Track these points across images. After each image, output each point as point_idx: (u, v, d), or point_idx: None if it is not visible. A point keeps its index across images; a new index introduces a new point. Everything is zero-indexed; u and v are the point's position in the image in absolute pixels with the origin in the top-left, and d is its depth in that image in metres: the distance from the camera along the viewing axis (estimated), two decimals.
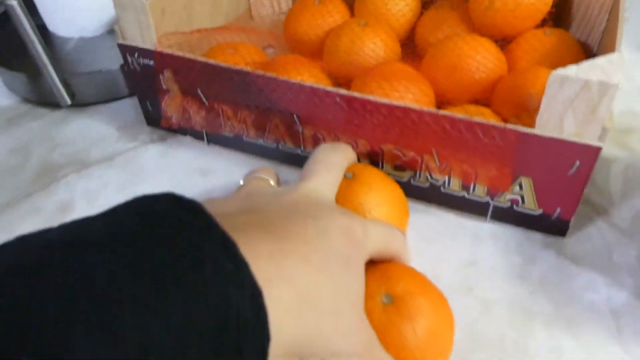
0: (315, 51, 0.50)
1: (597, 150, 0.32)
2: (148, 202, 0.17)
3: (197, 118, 0.46)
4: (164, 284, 0.14)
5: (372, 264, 0.29)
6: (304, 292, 0.20)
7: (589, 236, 0.38)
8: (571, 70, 0.30)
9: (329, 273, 0.22)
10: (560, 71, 0.30)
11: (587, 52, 0.45)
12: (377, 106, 0.36)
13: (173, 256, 0.15)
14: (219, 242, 0.17)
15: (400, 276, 0.28)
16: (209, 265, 0.15)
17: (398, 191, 0.36)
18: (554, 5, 0.45)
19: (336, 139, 0.40)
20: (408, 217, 0.37)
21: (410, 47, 0.50)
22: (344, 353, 0.21)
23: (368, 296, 0.26)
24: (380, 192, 0.34)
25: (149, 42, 0.43)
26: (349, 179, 0.34)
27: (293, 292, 0.19)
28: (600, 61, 0.30)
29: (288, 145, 0.43)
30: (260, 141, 0.45)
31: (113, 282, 0.14)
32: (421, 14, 0.50)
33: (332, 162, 0.32)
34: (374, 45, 0.45)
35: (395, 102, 0.36)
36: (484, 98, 0.42)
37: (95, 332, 0.13)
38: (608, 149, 0.43)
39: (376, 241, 0.27)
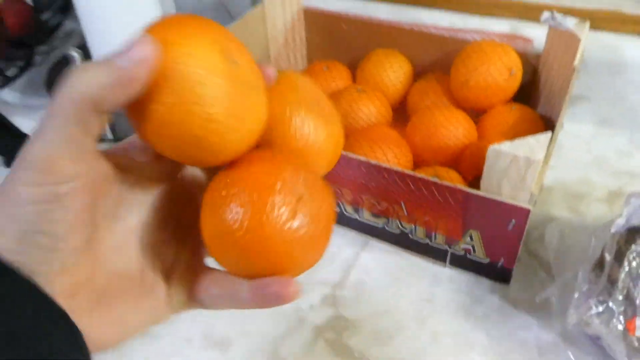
0: None
1: (527, 211, 0.39)
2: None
3: None
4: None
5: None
6: None
7: (530, 284, 0.44)
8: (504, 146, 0.37)
9: None
10: (496, 146, 0.37)
11: (550, 126, 0.53)
12: (358, 163, 0.44)
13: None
14: None
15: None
16: None
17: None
18: (523, 86, 0.53)
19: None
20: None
21: (402, 112, 0.58)
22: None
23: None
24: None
25: None
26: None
27: None
28: (529, 140, 0.38)
29: None
30: None
31: None
32: (412, 84, 0.59)
33: None
34: (368, 110, 0.54)
35: (371, 161, 0.44)
36: (455, 161, 0.50)
37: None
38: (559, 212, 0.50)
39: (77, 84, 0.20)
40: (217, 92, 0.21)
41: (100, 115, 0.20)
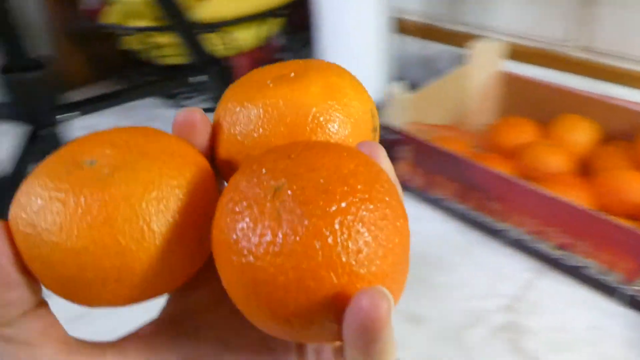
0: (508, 154, 0.68)
1: None
2: None
3: (419, 181, 0.67)
4: None
5: None
6: None
7: None
8: None
9: None
10: None
11: None
12: (547, 199, 0.53)
13: None
14: None
15: None
16: None
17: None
18: None
19: (514, 214, 0.58)
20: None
21: (585, 170, 0.66)
22: None
23: None
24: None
25: (401, 123, 0.66)
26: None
27: None
28: None
29: (479, 213, 0.62)
30: (461, 207, 0.64)
31: None
32: (597, 148, 0.66)
33: None
34: (553, 160, 0.63)
35: (561, 198, 0.52)
36: (635, 216, 0.57)
37: None
38: None
39: None
40: (61, 214, 0.18)
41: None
